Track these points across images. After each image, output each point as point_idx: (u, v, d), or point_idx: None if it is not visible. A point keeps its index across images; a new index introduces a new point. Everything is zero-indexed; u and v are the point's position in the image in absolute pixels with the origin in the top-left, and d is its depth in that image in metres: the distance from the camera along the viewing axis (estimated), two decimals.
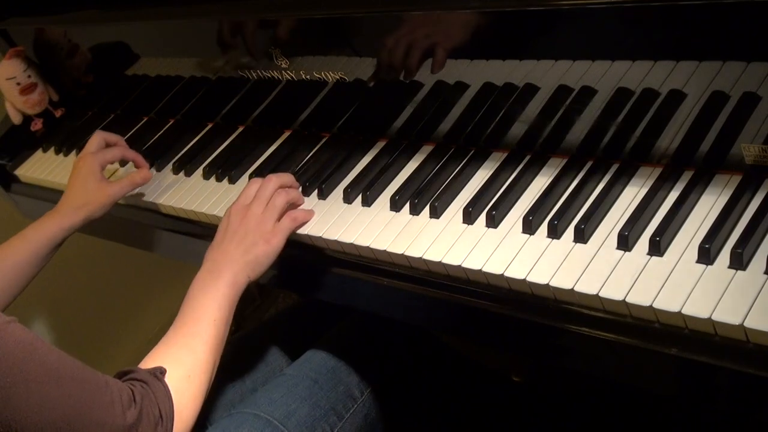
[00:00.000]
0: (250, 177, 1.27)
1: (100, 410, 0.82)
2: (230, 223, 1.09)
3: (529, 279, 0.90)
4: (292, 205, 1.14)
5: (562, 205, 0.98)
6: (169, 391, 0.90)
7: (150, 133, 1.52)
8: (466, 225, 1.01)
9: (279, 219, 1.10)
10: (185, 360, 0.95)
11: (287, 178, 1.16)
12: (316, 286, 1.16)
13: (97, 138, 1.33)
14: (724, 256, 0.83)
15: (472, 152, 1.11)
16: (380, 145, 1.21)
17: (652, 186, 0.95)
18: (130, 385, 0.87)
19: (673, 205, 0.90)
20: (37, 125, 1.66)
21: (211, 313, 1.00)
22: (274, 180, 1.12)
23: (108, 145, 1.34)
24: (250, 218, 1.08)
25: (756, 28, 0.80)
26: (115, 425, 0.82)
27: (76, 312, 2.02)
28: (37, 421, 0.77)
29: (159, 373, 0.91)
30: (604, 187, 0.97)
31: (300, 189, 1.19)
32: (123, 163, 1.43)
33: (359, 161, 1.20)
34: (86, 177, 1.28)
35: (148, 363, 0.94)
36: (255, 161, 1.30)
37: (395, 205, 1.08)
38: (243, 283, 1.05)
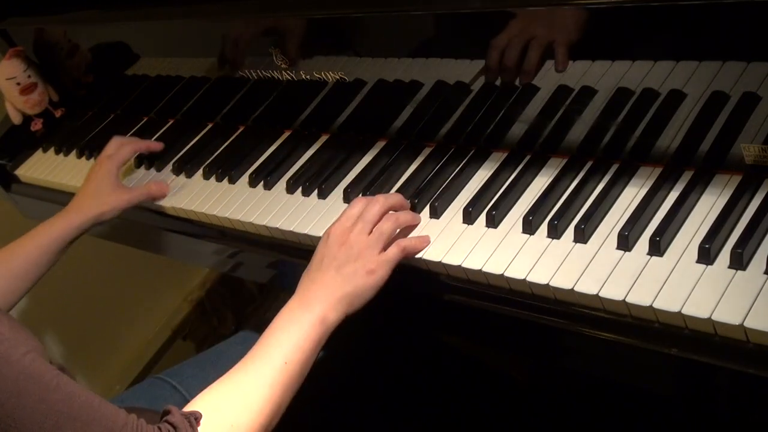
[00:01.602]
0: (251, 177, 1.26)
1: None
2: (329, 247, 0.97)
3: (529, 279, 0.90)
4: (402, 231, 1.03)
5: (562, 205, 0.98)
6: None
7: (150, 133, 1.52)
8: (466, 225, 1.01)
9: (385, 247, 0.97)
10: (233, 405, 0.84)
11: (396, 198, 1.03)
12: None
13: (115, 143, 1.34)
14: (724, 256, 0.83)
15: (472, 152, 1.11)
16: (380, 145, 1.21)
17: (652, 186, 0.95)
18: (160, 426, 0.80)
19: (673, 205, 0.90)
20: (37, 125, 1.66)
21: (285, 353, 0.88)
22: (382, 201, 1.00)
23: (123, 146, 1.35)
24: (351, 244, 0.96)
25: (756, 28, 0.80)
26: None
27: (76, 312, 2.02)
28: None
29: (194, 419, 0.81)
30: (604, 187, 0.97)
31: (409, 206, 1.05)
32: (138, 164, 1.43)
33: (359, 161, 1.20)
34: (102, 179, 1.29)
35: (197, 402, 0.85)
36: (255, 161, 1.30)
37: None
38: (335, 321, 0.93)
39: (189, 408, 0.83)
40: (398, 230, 1.00)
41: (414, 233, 1.03)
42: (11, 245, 1.23)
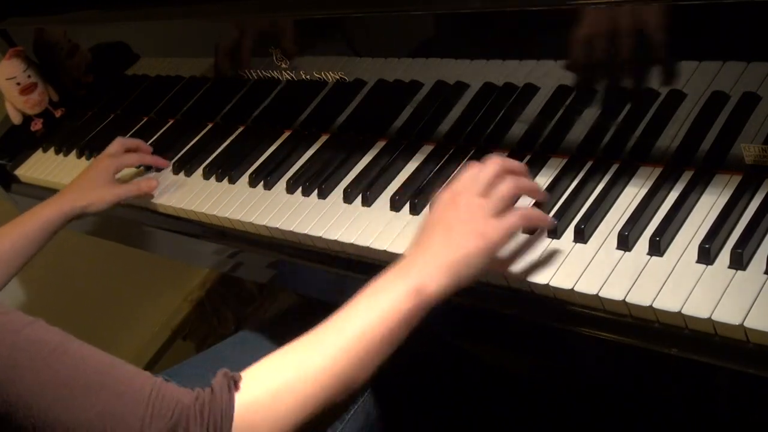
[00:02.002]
0: (251, 177, 1.26)
1: (118, 417, 0.70)
2: (435, 210, 0.86)
3: (529, 279, 0.90)
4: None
5: (562, 205, 0.98)
6: (231, 407, 0.72)
7: (150, 133, 1.52)
8: None
9: (502, 213, 0.84)
10: (285, 372, 0.75)
11: (516, 163, 0.89)
12: (316, 286, 1.16)
13: (117, 143, 1.35)
14: (724, 256, 0.83)
15: (472, 152, 1.11)
16: (380, 145, 1.21)
17: (652, 186, 0.95)
18: (199, 393, 0.74)
19: (673, 205, 0.90)
20: (37, 125, 1.66)
21: (364, 323, 0.77)
22: (500, 162, 0.87)
23: (128, 151, 1.36)
24: (461, 205, 0.83)
25: (756, 28, 0.80)
26: None
27: (76, 312, 2.01)
28: (66, 428, 0.69)
29: (233, 381, 0.74)
30: (604, 187, 0.97)
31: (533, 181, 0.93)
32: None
33: (359, 161, 1.20)
34: (98, 174, 1.30)
35: (258, 363, 0.77)
36: (255, 161, 1.30)
37: (395, 205, 1.08)
38: (435, 293, 0.80)
39: (251, 368, 0.76)
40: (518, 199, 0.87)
41: None
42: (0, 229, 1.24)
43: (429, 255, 0.81)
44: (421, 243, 0.83)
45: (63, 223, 1.27)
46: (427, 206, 1.05)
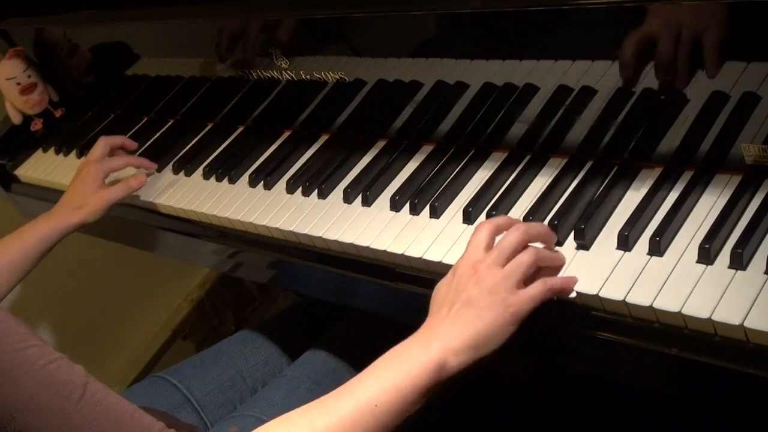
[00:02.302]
0: (251, 177, 1.26)
1: None
2: (456, 280, 0.83)
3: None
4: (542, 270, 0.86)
5: (562, 205, 0.98)
6: None
7: (150, 133, 1.52)
8: (466, 225, 1.01)
9: (524, 284, 0.83)
10: (296, 430, 0.74)
11: (539, 228, 0.87)
12: (316, 286, 1.16)
13: (102, 145, 1.34)
14: (724, 256, 0.83)
15: (472, 152, 1.11)
16: (380, 145, 1.21)
17: (652, 186, 0.95)
18: None
19: (673, 205, 0.90)
20: (37, 125, 1.66)
21: (378, 393, 0.74)
22: (523, 229, 0.84)
23: (113, 150, 1.35)
24: (483, 277, 0.81)
25: (756, 28, 0.80)
26: None
27: (76, 312, 2.01)
28: None
29: None
30: (604, 188, 0.97)
31: (554, 239, 0.90)
32: None
33: (359, 161, 1.20)
34: (86, 183, 1.29)
35: (268, 425, 0.76)
36: (255, 161, 1.30)
37: (395, 205, 1.08)
38: (455, 368, 0.78)
39: (261, 427, 0.75)
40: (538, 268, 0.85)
41: (417, 231, 1.03)
42: None
43: (452, 328, 0.79)
44: (442, 314, 0.81)
45: (59, 239, 1.27)
46: (427, 207, 1.05)
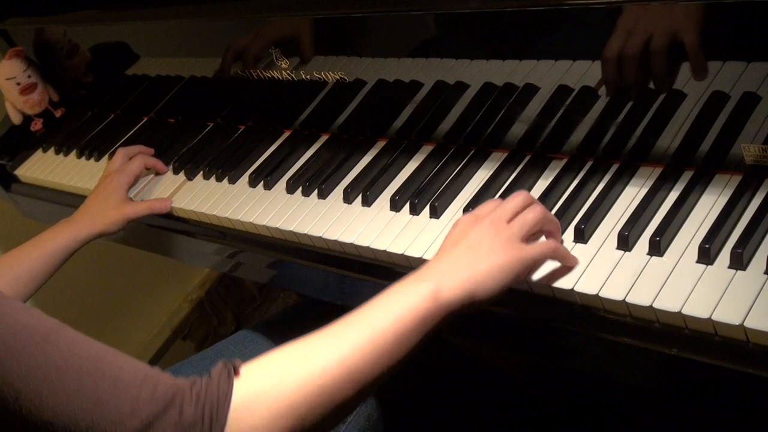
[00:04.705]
0: (251, 177, 1.26)
1: (123, 406, 0.68)
2: (458, 227, 0.85)
3: (528, 279, 0.90)
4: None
5: (562, 205, 0.98)
6: (229, 392, 0.70)
7: (150, 133, 1.52)
8: None
9: (529, 240, 0.84)
10: (290, 365, 0.73)
11: (552, 217, 0.89)
12: (316, 286, 1.16)
13: (121, 156, 1.35)
14: (724, 256, 0.83)
15: (472, 152, 1.11)
16: (380, 145, 1.21)
17: (652, 186, 0.95)
18: (196, 379, 0.71)
19: (673, 205, 0.90)
20: (37, 125, 1.66)
21: (376, 321, 0.76)
22: (526, 195, 0.87)
23: (132, 159, 1.36)
24: (486, 223, 0.83)
25: (756, 28, 0.80)
26: (132, 426, 0.67)
27: (76, 312, 2.02)
28: (56, 413, 0.67)
29: (232, 367, 0.72)
30: (604, 187, 0.97)
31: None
32: None
33: (359, 161, 1.20)
34: (110, 193, 1.29)
35: (270, 352, 0.75)
36: (255, 161, 1.30)
37: (395, 205, 1.08)
38: (450, 302, 0.78)
39: (256, 359, 0.74)
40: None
41: (417, 231, 1.03)
42: (15, 251, 1.23)
43: (450, 265, 0.80)
44: (443, 252, 0.82)
45: (78, 248, 1.26)
46: (427, 207, 1.05)
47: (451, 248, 0.82)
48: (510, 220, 0.84)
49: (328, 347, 0.74)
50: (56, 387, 0.67)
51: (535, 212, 0.84)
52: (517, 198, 0.85)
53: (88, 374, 0.68)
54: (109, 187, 1.30)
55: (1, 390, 0.67)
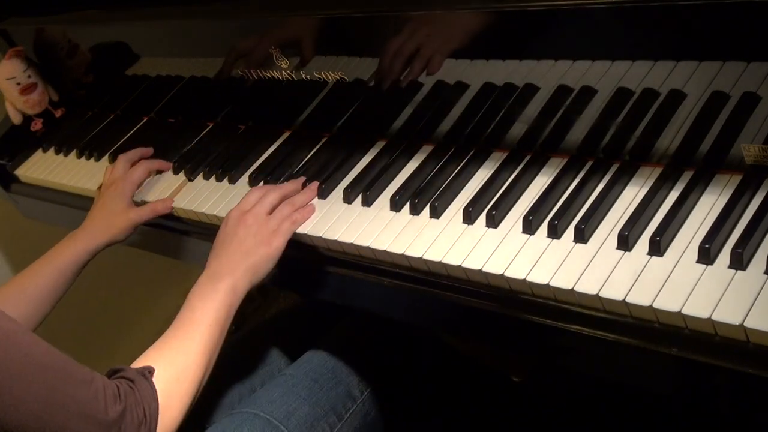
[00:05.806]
0: (251, 177, 1.27)
1: (83, 404, 0.82)
2: (228, 226, 1.09)
3: (529, 279, 0.90)
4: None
5: (562, 205, 0.98)
6: (155, 391, 0.90)
7: (150, 133, 1.52)
8: (466, 225, 1.01)
9: (281, 225, 1.10)
10: (177, 362, 0.95)
11: (291, 186, 1.16)
12: (316, 286, 1.16)
13: (122, 162, 1.35)
14: (724, 256, 0.83)
15: (472, 152, 1.11)
16: (380, 145, 1.21)
17: (652, 186, 0.95)
18: (117, 382, 0.87)
19: (673, 205, 0.90)
20: (37, 125, 1.66)
21: (208, 318, 1.00)
22: (278, 190, 1.13)
23: (133, 164, 1.35)
24: (249, 222, 1.08)
25: (756, 28, 0.80)
26: (97, 420, 0.82)
27: (76, 312, 2.01)
28: (21, 411, 0.79)
29: (147, 372, 0.91)
30: (604, 187, 0.97)
31: (302, 187, 1.18)
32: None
33: (359, 161, 1.20)
34: (114, 200, 1.29)
35: (140, 362, 0.94)
36: (255, 161, 1.30)
37: (395, 205, 1.08)
38: (243, 289, 1.05)
39: (136, 365, 0.93)
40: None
41: (417, 231, 1.03)
42: (26, 272, 1.22)
43: (232, 264, 1.05)
44: (221, 256, 1.06)
45: (89, 260, 1.27)
46: (427, 207, 1.05)
47: (228, 247, 1.07)
48: (270, 211, 1.10)
49: (193, 347, 0.97)
50: (33, 384, 0.80)
51: (286, 205, 1.12)
52: (272, 194, 1.12)
53: (42, 372, 0.82)
54: (114, 195, 1.29)
55: None
